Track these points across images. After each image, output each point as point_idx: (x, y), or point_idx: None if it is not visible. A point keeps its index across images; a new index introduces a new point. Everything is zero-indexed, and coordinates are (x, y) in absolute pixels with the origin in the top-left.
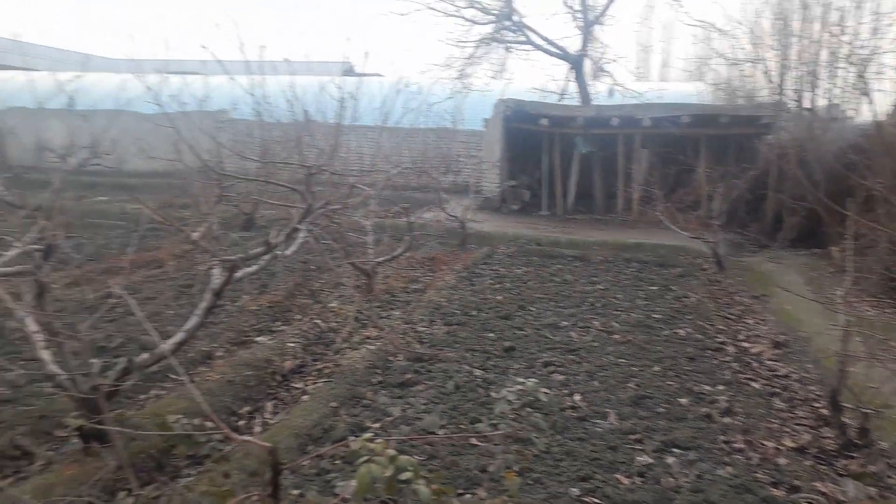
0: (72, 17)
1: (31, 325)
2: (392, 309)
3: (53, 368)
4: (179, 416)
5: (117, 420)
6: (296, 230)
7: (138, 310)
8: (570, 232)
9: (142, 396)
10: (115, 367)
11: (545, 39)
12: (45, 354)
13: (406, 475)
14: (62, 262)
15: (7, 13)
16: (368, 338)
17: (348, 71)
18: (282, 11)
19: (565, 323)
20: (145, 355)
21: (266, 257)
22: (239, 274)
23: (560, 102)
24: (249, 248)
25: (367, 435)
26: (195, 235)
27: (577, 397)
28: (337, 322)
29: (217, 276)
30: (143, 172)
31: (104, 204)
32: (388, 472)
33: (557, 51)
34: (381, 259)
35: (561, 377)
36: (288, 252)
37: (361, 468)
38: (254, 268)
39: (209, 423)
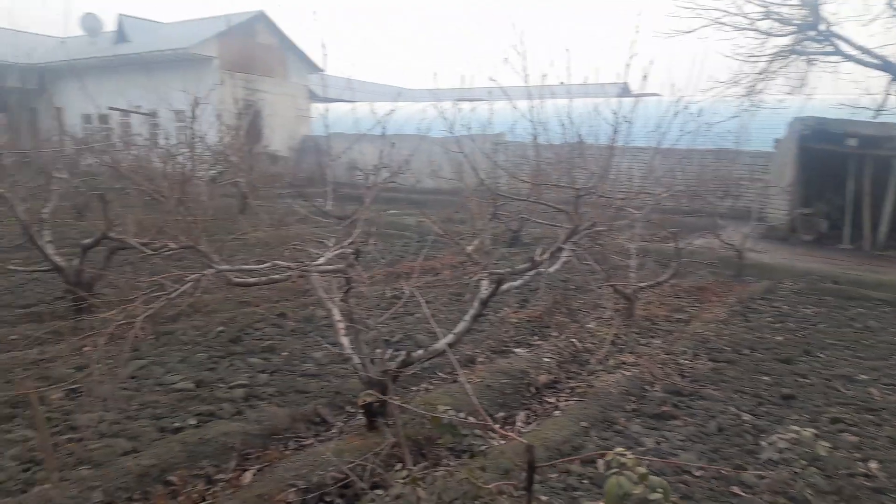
0: (388, 59)
1: (337, 315)
2: (652, 337)
3: (350, 353)
4: (447, 408)
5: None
6: (560, 249)
7: (427, 310)
8: (879, 270)
9: (413, 388)
10: (396, 358)
11: (859, 48)
12: (345, 341)
13: (656, 496)
14: (367, 264)
15: (342, 58)
16: (624, 363)
17: (624, 92)
18: (563, 39)
19: (864, 376)
20: (421, 350)
21: (530, 273)
22: (504, 287)
23: (875, 120)
24: (515, 263)
25: (621, 448)
26: (469, 248)
27: (872, 464)
28: (593, 343)
29: (485, 287)
30: (431, 190)
31: (396, 217)
32: (638, 490)
33: (876, 60)
34: (643, 284)
35: (853, 438)
36: (551, 270)
37: (611, 479)
38: (518, 282)
39: (472, 419)
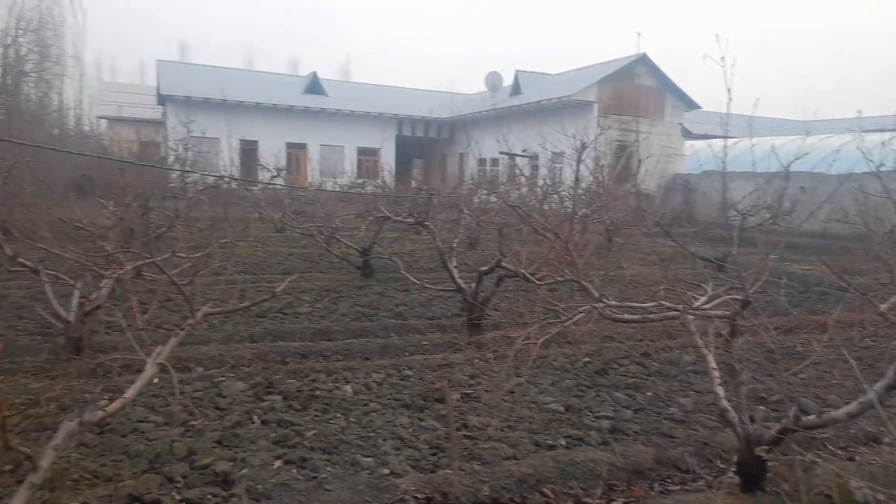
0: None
1: (712, 362)
2: None
3: (724, 404)
4: (863, 486)
5: (781, 473)
6: None
7: (857, 370)
8: None
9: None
10: (782, 419)
11: None
12: (720, 390)
13: None
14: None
15: (731, 93)
16: None
17: None
18: None
19: None
20: (812, 417)
21: None
22: None
23: None
24: None
25: None
26: (884, 307)
27: None
28: None
29: None
30: (821, 234)
31: (776, 263)
32: None
33: None
34: None
35: None
36: None
37: None
38: None
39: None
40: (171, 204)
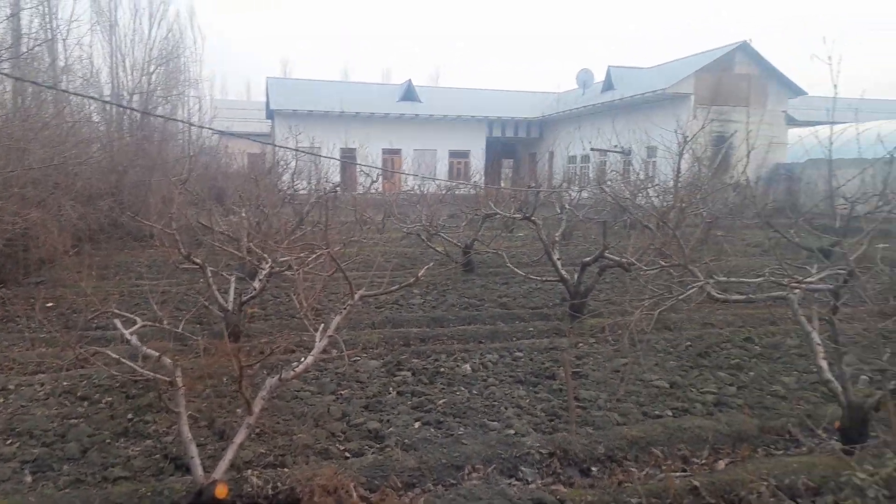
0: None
1: (816, 338)
2: None
3: (828, 375)
4: None
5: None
6: None
7: None
8: None
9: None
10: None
11: None
12: (824, 364)
13: None
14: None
15: (843, 75)
16: None
17: None
18: None
19: None
20: None
21: None
22: None
23: None
24: None
25: None
26: None
27: None
28: None
29: None
30: None
31: (889, 252)
32: None
33: None
34: None
35: None
36: None
37: None
38: None
39: None
40: (289, 209)
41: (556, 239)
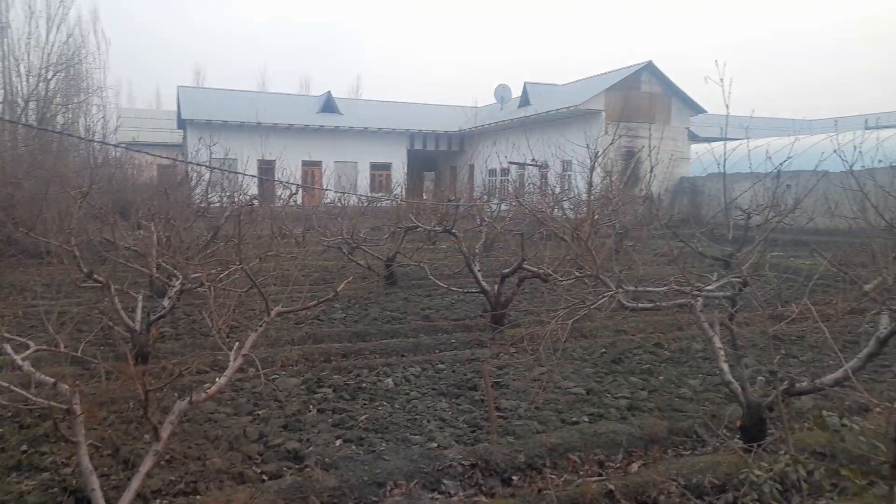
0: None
1: (717, 342)
2: None
3: (728, 377)
4: (832, 414)
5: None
6: None
7: (832, 342)
8: None
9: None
10: (779, 386)
11: None
12: (725, 366)
13: None
14: (748, 304)
15: (734, 96)
16: None
17: None
18: None
19: None
20: (805, 382)
21: None
22: None
23: None
24: None
25: None
26: (868, 287)
27: None
28: None
29: (885, 324)
30: (823, 230)
31: (781, 259)
32: None
33: None
34: None
35: None
36: None
37: None
38: None
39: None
40: (201, 223)
41: (477, 251)
